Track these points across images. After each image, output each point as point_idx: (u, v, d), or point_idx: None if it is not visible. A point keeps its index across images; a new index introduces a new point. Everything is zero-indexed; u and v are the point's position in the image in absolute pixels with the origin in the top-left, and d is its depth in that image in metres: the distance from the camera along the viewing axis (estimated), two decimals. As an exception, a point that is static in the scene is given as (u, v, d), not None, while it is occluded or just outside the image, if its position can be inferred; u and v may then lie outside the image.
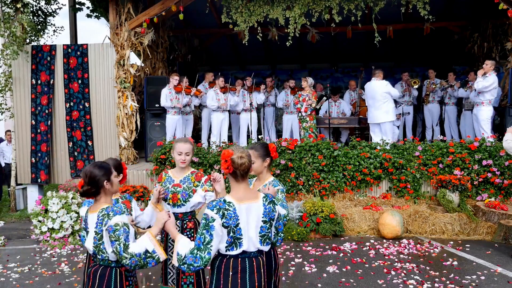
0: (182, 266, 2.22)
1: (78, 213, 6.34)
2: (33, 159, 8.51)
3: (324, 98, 9.07)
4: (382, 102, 7.63)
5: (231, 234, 2.24)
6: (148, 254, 2.32)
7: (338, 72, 13.30)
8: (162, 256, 2.37)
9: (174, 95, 8.37)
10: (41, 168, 8.48)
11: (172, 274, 3.41)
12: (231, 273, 2.26)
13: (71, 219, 6.28)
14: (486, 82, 7.38)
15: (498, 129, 8.51)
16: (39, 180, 8.51)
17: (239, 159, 2.28)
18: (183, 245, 2.26)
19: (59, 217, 6.21)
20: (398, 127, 9.21)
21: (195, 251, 2.20)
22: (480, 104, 7.67)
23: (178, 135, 8.47)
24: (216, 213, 2.21)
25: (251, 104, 9.14)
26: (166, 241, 3.41)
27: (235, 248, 2.27)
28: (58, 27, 9.41)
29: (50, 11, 9.29)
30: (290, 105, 9.51)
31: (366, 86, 7.95)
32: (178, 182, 3.37)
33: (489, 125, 7.67)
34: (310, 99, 8.17)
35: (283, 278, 4.58)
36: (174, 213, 3.25)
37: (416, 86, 9.79)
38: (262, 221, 2.31)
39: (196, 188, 3.35)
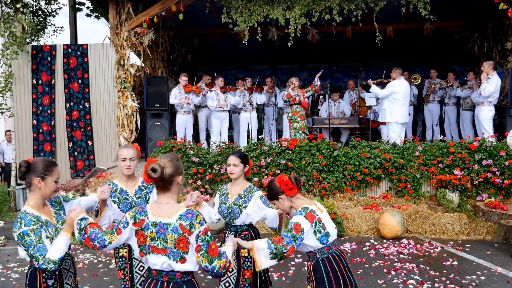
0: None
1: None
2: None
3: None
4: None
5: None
6: None
7: (338, 72, 13.28)
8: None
9: (183, 95, 8.41)
10: (44, 168, 8.47)
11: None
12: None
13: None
14: (491, 86, 7.38)
15: (498, 129, 8.50)
16: None
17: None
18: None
19: (59, 217, 6.21)
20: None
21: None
22: (481, 104, 7.67)
23: (188, 135, 8.62)
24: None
25: (251, 104, 9.14)
26: None
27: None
28: (58, 27, 9.41)
29: (50, 11, 9.29)
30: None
31: (397, 84, 7.68)
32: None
33: (491, 125, 7.67)
34: (300, 96, 8.15)
35: (283, 278, 4.58)
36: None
37: (416, 83, 9.73)
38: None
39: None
